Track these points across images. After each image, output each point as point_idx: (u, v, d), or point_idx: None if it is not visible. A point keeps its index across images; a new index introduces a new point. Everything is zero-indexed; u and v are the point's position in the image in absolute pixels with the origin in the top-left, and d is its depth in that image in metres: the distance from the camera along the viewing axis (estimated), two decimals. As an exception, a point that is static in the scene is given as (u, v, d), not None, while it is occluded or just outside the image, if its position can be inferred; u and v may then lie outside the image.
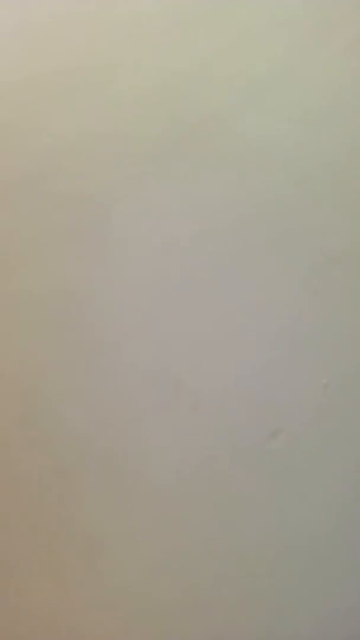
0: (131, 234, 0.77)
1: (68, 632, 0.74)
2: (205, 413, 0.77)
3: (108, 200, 0.76)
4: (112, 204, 0.76)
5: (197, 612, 0.77)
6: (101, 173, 0.77)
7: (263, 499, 0.79)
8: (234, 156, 0.79)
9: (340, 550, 0.81)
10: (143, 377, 0.76)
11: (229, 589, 0.77)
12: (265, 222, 0.79)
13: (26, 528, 0.74)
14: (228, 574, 0.78)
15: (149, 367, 0.76)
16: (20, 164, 0.75)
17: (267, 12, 0.80)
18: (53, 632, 0.74)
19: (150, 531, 0.76)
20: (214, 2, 0.80)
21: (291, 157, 0.80)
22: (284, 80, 0.79)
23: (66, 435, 0.75)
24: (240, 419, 0.78)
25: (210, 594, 0.77)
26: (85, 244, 0.76)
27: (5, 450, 0.74)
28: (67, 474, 0.75)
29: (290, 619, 0.79)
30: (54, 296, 0.75)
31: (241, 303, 0.78)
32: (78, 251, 0.75)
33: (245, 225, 0.79)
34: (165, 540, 0.76)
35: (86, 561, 0.75)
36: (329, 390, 0.80)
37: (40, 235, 0.75)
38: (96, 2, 0.78)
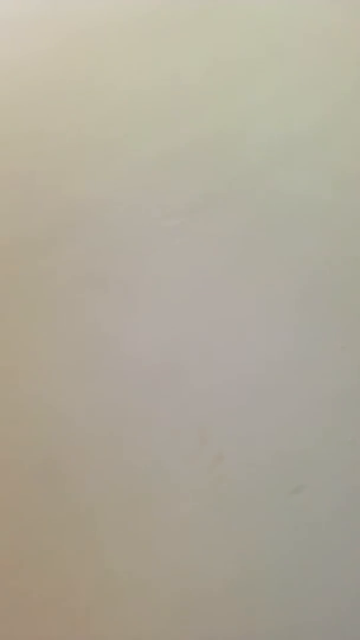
0: (164, 284, 0.78)
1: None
2: (229, 464, 0.78)
3: (144, 250, 0.77)
4: (146, 254, 0.77)
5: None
6: (136, 223, 0.78)
7: (285, 555, 0.78)
8: (268, 212, 0.80)
9: None
10: (168, 426, 0.77)
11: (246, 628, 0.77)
12: (296, 280, 0.80)
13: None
14: (248, 627, 0.77)
15: (175, 416, 0.77)
16: (57, 211, 0.77)
17: (307, 72, 0.81)
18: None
19: (171, 580, 0.76)
20: (256, 60, 0.82)
21: (324, 216, 0.81)
22: (321, 139, 0.80)
23: (88, 481, 0.75)
24: (264, 473, 0.79)
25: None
26: (117, 291, 0.77)
27: (27, 496, 0.75)
28: (91, 522, 0.75)
29: None
30: (82, 343, 0.76)
31: (268, 356, 0.79)
32: (110, 297, 0.77)
33: (275, 282, 0.79)
34: (187, 590, 0.76)
35: (105, 604, 0.75)
36: (354, 447, 0.80)
37: (74, 282, 0.77)
38: (138, 60, 0.80)
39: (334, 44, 0.82)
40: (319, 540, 0.79)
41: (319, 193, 0.80)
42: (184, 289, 0.78)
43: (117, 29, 0.80)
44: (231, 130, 0.80)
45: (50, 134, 0.77)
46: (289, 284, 0.79)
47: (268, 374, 0.79)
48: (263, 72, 0.81)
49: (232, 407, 0.78)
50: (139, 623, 0.76)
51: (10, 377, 0.76)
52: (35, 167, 0.76)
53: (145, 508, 0.76)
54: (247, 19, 0.82)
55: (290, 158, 0.80)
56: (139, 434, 0.77)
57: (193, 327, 0.78)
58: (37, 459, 0.74)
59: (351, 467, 0.80)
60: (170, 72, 0.80)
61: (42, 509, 0.74)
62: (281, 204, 0.80)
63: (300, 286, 0.79)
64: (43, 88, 0.79)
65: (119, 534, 0.76)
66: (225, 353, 0.78)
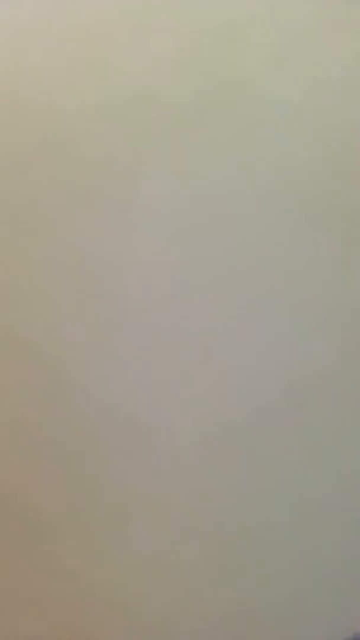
0: (157, 198, 0.75)
1: (94, 597, 0.74)
2: (232, 381, 0.77)
3: (134, 165, 0.75)
4: (138, 168, 0.75)
5: (223, 577, 0.77)
6: (127, 137, 0.75)
7: (287, 471, 0.79)
8: (259, 121, 0.77)
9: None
10: (169, 344, 0.76)
11: (255, 550, 0.77)
12: (290, 188, 0.78)
13: (53, 495, 0.73)
14: (252, 544, 0.78)
15: (176, 334, 0.76)
16: (46, 126, 0.74)
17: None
18: (80, 595, 0.74)
19: (176, 498, 0.76)
20: None
21: (317, 123, 0.79)
22: (311, 45, 0.78)
23: (90, 401, 0.74)
24: (267, 387, 0.78)
25: (235, 556, 0.77)
26: (110, 209, 0.74)
27: (28, 417, 0.73)
28: (94, 441, 0.74)
29: (312, 583, 0.79)
30: (79, 261, 0.74)
31: (266, 270, 0.78)
32: (103, 217, 0.74)
33: (269, 191, 0.78)
34: (191, 508, 0.76)
35: (114, 527, 0.74)
36: (357, 365, 0.80)
37: (64, 200, 0.74)
38: None
39: None
40: (323, 457, 0.80)
41: (313, 100, 0.78)
42: (178, 203, 0.76)
43: None
44: (222, 36, 0.77)
45: (39, 48, 0.74)
46: (287, 195, 0.77)
47: (267, 290, 0.78)
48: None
49: (231, 326, 0.77)
50: (144, 543, 0.75)
51: (5, 301, 0.74)
52: (23, 81, 0.73)
53: (149, 427, 0.76)
54: None
55: (286, 63, 0.77)
56: (139, 352, 0.75)
57: (189, 242, 0.76)
58: (38, 381, 0.73)
59: (346, 375, 0.80)
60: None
61: (45, 432, 0.73)
62: (275, 112, 0.78)
63: (300, 196, 0.77)
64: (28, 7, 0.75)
65: (123, 453, 0.75)
66: (222, 267, 0.77)
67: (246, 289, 0.77)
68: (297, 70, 0.78)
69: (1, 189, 0.74)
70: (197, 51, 0.77)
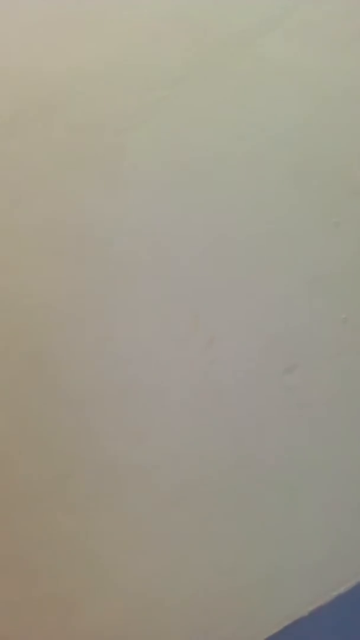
0: (147, 160, 0.74)
1: (84, 562, 0.75)
2: (220, 347, 0.76)
3: (124, 127, 0.73)
4: (128, 130, 0.73)
5: (211, 542, 0.77)
6: (117, 99, 0.73)
7: (278, 433, 0.78)
8: (255, 80, 0.75)
9: (356, 486, 0.81)
10: (158, 311, 0.75)
11: (245, 518, 0.77)
12: (287, 148, 0.77)
13: (38, 463, 0.73)
14: (244, 507, 0.78)
15: (167, 301, 0.75)
16: (33, 88, 0.71)
17: None
18: (70, 561, 0.74)
19: (167, 463, 0.76)
20: None
21: (314, 80, 0.77)
22: (305, 3, 0.76)
23: (79, 370, 0.73)
24: (257, 354, 0.78)
25: (218, 530, 0.77)
26: (99, 171, 0.73)
27: (17, 388, 0.72)
28: (84, 409, 0.74)
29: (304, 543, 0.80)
30: (67, 225, 0.72)
31: (259, 234, 0.76)
32: (92, 178, 0.72)
33: (266, 151, 0.76)
34: (182, 471, 0.76)
35: (104, 490, 0.74)
36: (348, 325, 0.79)
37: (54, 163, 0.72)
38: None
39: None
40: (313, 419, 0.79)
41: (307, 58, 0.76)
42: (168, 167, 0.74)
43: None
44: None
45: (26, 10, 0.70)
46: (281, 153, 0.76)
47: (258, 253, 0.77)
48: None
49: (224, 289, 0.76)
50: (139, 508, 0.75)
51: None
52: (9, 45, 0.70)
53: (137, 396, 0.75)
54: None
55: (278, 22, 0.75)
56: (127, 321, 0.74)
57: (179, 209, 0.75)
58: (24, 349, 0.71)
59: (343, 345, 0.80)
60: None
61: (32, 399, 0.72)
62: (268, 71, 0.75)
63: (293, 156, 0.76)
64: None
65: (112, 422, 0.75)
66: (213, 232, 0.75)
67: (236, 251, 0.76)
68: (292, 28, 0.76)
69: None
70: (188, 9, 0.74)
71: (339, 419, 0.80)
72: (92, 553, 0.75)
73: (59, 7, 0.70)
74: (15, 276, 0.72)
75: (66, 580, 0.74)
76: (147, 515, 0.76)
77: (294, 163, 0.77)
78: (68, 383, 0.73)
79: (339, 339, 0.79)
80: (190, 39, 0.74)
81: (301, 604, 0.81)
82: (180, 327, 0.75)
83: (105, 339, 0.74)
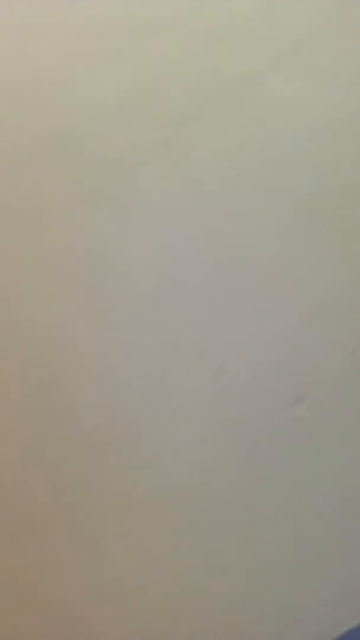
0: (158, 196, 0.76)
1: (92, 593, 0.75)
2: (230, 377, 0.77)
3: (136, 162, 0.75)
4: (140, 166, 0.75)
5: (220, 573, 0.77)
6: (129, 135, 0.76)
7: (286, 464, 0.79)
8: (263, 117, 0.78)
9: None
10: (169, 341, 0.76)
11: (249, 556, 0.78)
12: (295, 183, 0.78)
13: (50, 492, 0.74)
14: (249, 538, 0.78)
15: (175, 331, 0.76)
16: (49, 123, 0.74)
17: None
18: (78, 592, 0.75)
19: (171, 495, 0.76)
20: None
21: (319, 118, 0.79)
22: (314, 42, 0.78)
23: (89, 400, 0.75)
24: (265, 384, 0.78)
25: (226, 559, 0.77)
26: (111, 205, 0.75)
27: (24, 415, 0.74)
28: (90, 438, 0.75)
29: (310, 586, 0.79)
30: (79, 257, 0.75)
31: (267, 266, 0.78)
32: (103, 213, 0.75)
33: (274, 185, 0.78)
34: (187, 504, 0.76)
35: (107, 521, 0.75)
36: (355, 357, 0.80)
37: (67, 197, 0.75)
38: None
39: None
40: (321, 451, 0.80)
41: (313, 97, 0.79)
42: (179, 202, 0.77)
43: None
44: (223, 35, 0.77)
45: (39, 45, 0.74)
46: (287, 191, 0.78)
47: (267, 284, 0.78)
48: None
49: (232, 319, 0.77)
50: (139, 541, 0.76)
51: (6, 296, 0.74)
52: (27, 79, 0.73)
53: (146, 425, 0.76)
54: None
55: (284, 62, 0.77)
56: (137, 350, 0.76)
57: (189, 240, 0.77)
58: (35, 378, 0.73)
59: (351, 376, 0.80)
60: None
61: (42, 429, 0.74)
62: (275, 110, 0.78)
63: (300, 193, 0.77)
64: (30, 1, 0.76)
65: (119, 451, 0.75)
66: (222, 265, 0.77)
67: (245, 282, 0.77)
68: (297, 68, 0.78)
69: (5, 184, 0.74)
70: (199, 49, 0.77)
71: (347, 451, 0.80)
72: (97, 582, 0.75)
73: (76, 45, 0.74)
74: (27, 305, 0.74)
75: (74, 608, 0.75)
76: (155, 544, 0.76)
77: (302, 197, 0.79)
78: (77, 412, 0.75)
79: (347, 370, 0.80)
80: (200, 78, 0.77)
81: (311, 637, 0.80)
82: (188, 356, 0.76)
83: (114, 369, 0.75)
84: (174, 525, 0.76)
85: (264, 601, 0.78)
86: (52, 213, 0.73)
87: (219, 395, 0.77)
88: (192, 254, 0.76)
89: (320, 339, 0.79)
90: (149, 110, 0.76)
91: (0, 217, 0.74)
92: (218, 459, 0.77)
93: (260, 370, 0.78)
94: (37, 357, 0.73)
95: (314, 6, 0.79)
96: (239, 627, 0.78)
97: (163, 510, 0.76)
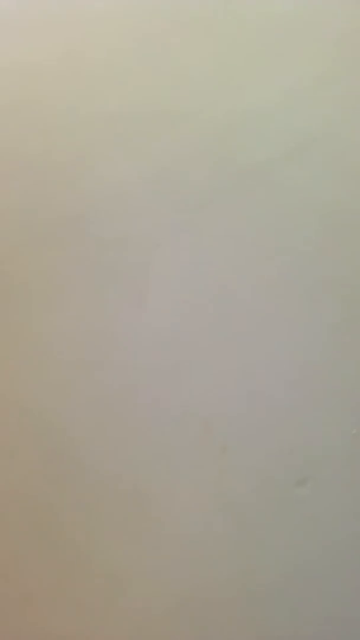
0: (170, 278, 0.78)
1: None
2: (233, 456, 0.78)
3: (150, 245, 0.78)
4: (153, 248, 0.78)
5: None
6: (145, 218, 0.79)
7: (287, 545, 0.79)
8: (274, 206, 0.80)
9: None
10: (173, 418, 0.78)
11: (245, 630, 0.78)
12: (302, 272, 0.80)
13: (50, 562, 0.75)
14: (247, 615, 0.78)
15: (180, 408, 0.78)
16: (68, 203, 0.77)
17: (311, 71, 0.82)
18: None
19: (172, 570, 0.77)
20: (261, 57, 0.82)
21: (329, 210, 0.81)
22: (325, 135, 0.81)
23: (93, 473, 0.76)
24: (269, 464, 0.79)
25: (226, 634, 0.77)
26: (123, 287, 0.78)
27: (30, 485, 0.76)
28: (93, 511, 0.76)
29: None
30: (89, 335, 0.77)
31: (273, 348, 0.79)
32: (116, 293, 0.77)
33: (282, 274, 0.80)
34: (187, 580, 0.77)
35: (107, 597, 0.76)
36: (358, 440, 0.81)
37: (81, 276, 0.77)
38: (143, 58, 0.80)
39: (339, 43, 0.82)
40: (323, 533, 0.80)
41: (322, 188, 0.81)
42: (191, 283, 0.79)
43: (121, 29, 0.80)
44: (237, 127, 0.80)
45: (60, 128, 0.78)
46: (295, 278, 0.80)
47: (270, 367, 0.80)
48: (268, 69, 0.81)
49: (236, 399, 0.79)
50: (139, 617, 0.77)
51: (18, 369, 0.77)
52: (45, 161, 0.77)
53: (149, 500, 0.77)
54: (252, 17, 0.82)
55: (295, 154, 0.80)
56: (142, 426, 0.77)
57: (198, 322, 0.79)
58: (40, 450, 0.75)
59: (355, 459, 0.81)
60: (177, 69, 0.81)
61: (45, 499, 0.75)
62: (286, 199, 0.80)
63: (306, 281, 0.79)
64: (52, 85, 0.80)
65: (122, 526, 0.77)
66: (228, 347, 0.79)
67: (250, 364, 0.79)
68: (311, 159, 0.81)
69: (21, 261, 0.77)
70: (216, 139, 0.80)
71: (349, 532, 0.80)
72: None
73: (98, 130, 0.77)
74: (35, 378, 0.76)
75: None
76: (154, 620, 0.77)
77: (313, 284, 0.80)
78: (80, 484, 0.76)
79: (349, 453, 0.80)
80: (216, 166, 0.80)
81: None
82: (193, 434, 0.78)
83: (120, 443, 0.77)
84: (172, 600, 0.77)
85: None
86: (66, 291, 0.76)
87: (222, 473, 0.78)
88: (199, 335, 0.78)
89: (325, 421, 0.80)
90: (166, 194, 0.79)
91: (14, 294, 0.77)
92: (219, 536, 0.78)
93: (264, 450, 0.79)
94: (40, 428, 0.75)
95: (326, 101, 0.81)
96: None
97: (160, 588, 0.77)
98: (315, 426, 0.80)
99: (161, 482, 0.77)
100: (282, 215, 0.80)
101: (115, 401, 0.77)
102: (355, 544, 0.81)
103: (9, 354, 0.78)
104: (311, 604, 0.79)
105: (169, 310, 0.78)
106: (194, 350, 0.78)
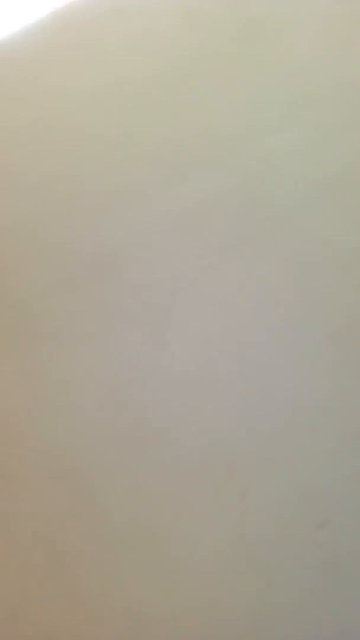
0: (192, 321, 0.79)
1: None
2: (254, 499, 0.79)
3: (172, 289, 0.79)
4: (175, 292, 0.79)
5: None
6: (169, 261, 0.80)
7: (308, 590, 0.79)
8: (297, 253, 0.81)
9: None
10: (194, 461, 0.78)
11: None
12: (325, 315, 0.81)
13: (69, 604, 0.76)
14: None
15: (201, 451, 0.78)
16: (92, 247, 0.79)
17: (336, 117, 0.83)
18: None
19: (191, 613, 0.77)
20: (285, 103, 0.83)
21: (353, 257, 0.82)
22: (349, 182, 0.82)
23: (112, 515, 0.77)
24: (289, 509, 0.79)
25: None
26: (146, 329, 0.79)
27: (51, 527, 0.76)
28: (112, 554, 0.76)
29: None
30: (111, 378, 0.78)
31: (295, 392, 0.80)
32: (138, 336, 0.78)
33: (304, 316, 0.81)
34: (205, 623, 0.77)
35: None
36: (379, 486, 0.81)
37: (102, 319, 0.78)
38: (168, 103, 0.82)
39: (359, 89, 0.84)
40: (344, 577, 0.80)
41: (347, 235, 0.82)
42: (212, 327, 0.80)
43: (143, 77, 0.82)
44: (261, 174, 0.81)
45: (87, 176, 0.79)
46: (320, 318, 0.80)
47: (293, 411, 0.80)
48: (293, 115, 0.83)
49: (257, 442, 0.79)
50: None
51: (39, 411, 0.78)
52: (72, 207, 0.79)
53: (168, 544, 0.78)
54: (277, 62, 0.84)
55: (319, 200, 0.81)
56: (162, 469, 0.78)
57: (219, 365, 0.80)
58: (60, 492, 0.76)
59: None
60: (201, 116, 0.82)
61: (66, 543, 0.76)
62: (310, 245, 0.81)
63: (332, 328, 0.80)
64: (76, 133, 0.81)
65: (141, 569, 0.77)
66: (249, 390, 0.80)
67: (272, 409, 0.79)
68: (336, 205, 0.82)
69: (45, 306, 0.79)
70: (240, 185, 0.81)
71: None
72: None
73: (126, 173, 0.79)
74: (61, 424, 0.77)
75: None
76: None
77: (332, 328, 0.81)
78: (102, 527, 0.77)
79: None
80: (239, 212, 0.81)
81: None
82: (213, 478, 0.78)
83: (140, 486, 0.77)
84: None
85: None
86: (85, 336, 0.77)
87: (243, 517, 0.79)
88: (220, 377, 0.79)
89: (345, 466, 0.80)
90: (189, 239, 0.80)
91: (39, 337, 0.78)
92: (238, 581, 0.78)
93: (284, 494, 0.79)
94: (64, 471, 0.76)
95: (347, 146, 0.83)
96: None
97: (181, 629, 0.77)
98: (337, 469, 0.80)
99: (181, 525, 0.78)
100: (303, 262, 0.81)
101: (136, 443, 0.78)
102: None
103: (31, 394, 0.79)
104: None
105: (190, 353, 0.79)
106: (215, 393, 0.79)
